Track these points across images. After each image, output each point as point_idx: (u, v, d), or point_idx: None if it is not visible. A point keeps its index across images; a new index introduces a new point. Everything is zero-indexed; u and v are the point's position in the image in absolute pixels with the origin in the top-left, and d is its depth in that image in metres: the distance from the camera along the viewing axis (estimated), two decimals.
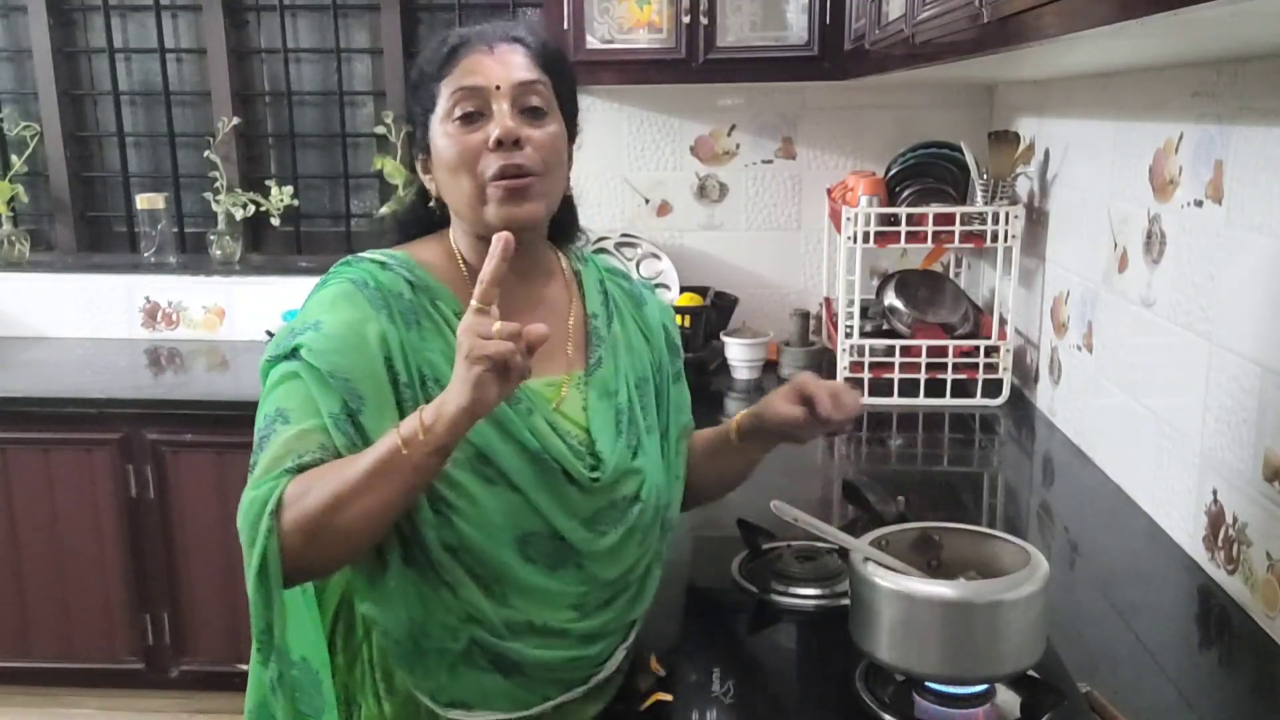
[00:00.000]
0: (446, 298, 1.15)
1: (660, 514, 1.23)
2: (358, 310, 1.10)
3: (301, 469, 1.04)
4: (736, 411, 2.33)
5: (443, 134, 1.14)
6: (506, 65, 1.14)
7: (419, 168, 1.22)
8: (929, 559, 1.11)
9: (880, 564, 1.04)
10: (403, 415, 1.06)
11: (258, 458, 1.07)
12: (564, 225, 1.29)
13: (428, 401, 1.04)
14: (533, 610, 1.14)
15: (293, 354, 1.09)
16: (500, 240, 0.99)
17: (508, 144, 1.11)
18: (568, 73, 1.22)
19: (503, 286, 1.10)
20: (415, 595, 1.12)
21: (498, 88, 1.13)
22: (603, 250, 2.70)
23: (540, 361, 1.13)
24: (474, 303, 0.98)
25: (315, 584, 1.16)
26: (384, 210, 2.99)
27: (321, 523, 1.00)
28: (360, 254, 1.18)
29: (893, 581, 1.01)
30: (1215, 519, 1.39)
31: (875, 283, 2.59)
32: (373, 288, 1.12)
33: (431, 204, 1.21)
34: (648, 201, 2.80)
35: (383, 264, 1.16)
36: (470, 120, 1.13)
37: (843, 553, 1.34)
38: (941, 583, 1.02)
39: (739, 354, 2.50)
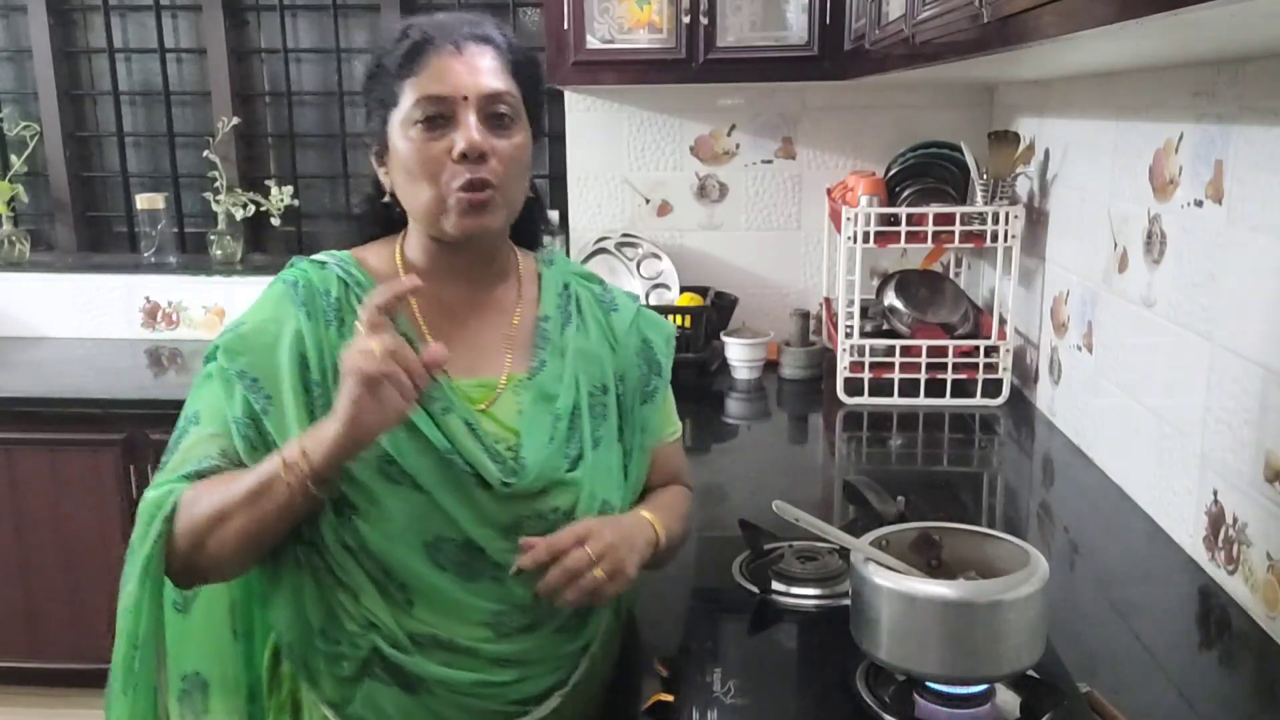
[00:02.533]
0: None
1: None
2: (278, 309, 1.11)
3: (200, 474, 1.06)
4: (737, 412, 2.35)
5: (404, 137, 1.10)
6: (475, 71, 1.09)
7: (373, 160, 1.18)
8: (929, 559, 1.11)
9: (880, 564, 1.05)
10: (313, 414, 1.06)
11: (169, 457, 1.10)
12: (528, 227, 1.26)
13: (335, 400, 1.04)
14: (440, 623, 1.09)
15: (214, 355, 1.11)
16: (404, 285, 1.00)
17: (473, 157, 1.08)
18: (536, 75, 1.18)
19: (447, 288, 1.16)
20: (314, 598, 1.08)
21: (465, 98, 1.08)
22: (602, 250, 2.70)
23: (474, 361, 1.14)
24: (361, 323, 0.98)
25: (235, 600, 1.17)
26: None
27: (205, 533, 1.02)
28: (311, 255, 1.18)
29: (893, 581, 1.01)
30: (1215, 519, 1.39)
31: (875, 283, 2.59)
32: (301, 286, 1.12)
33: (386, 199, 1.18)
34: (648, 201, 2.80)
35: (322, 264, 1.16)
36: (433, 126, 1.09)
37: (843, 553, 1.34)
38: (941, 583, 1.02)
39: (739, 354, 2.50)
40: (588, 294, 1.26)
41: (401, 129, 1.10)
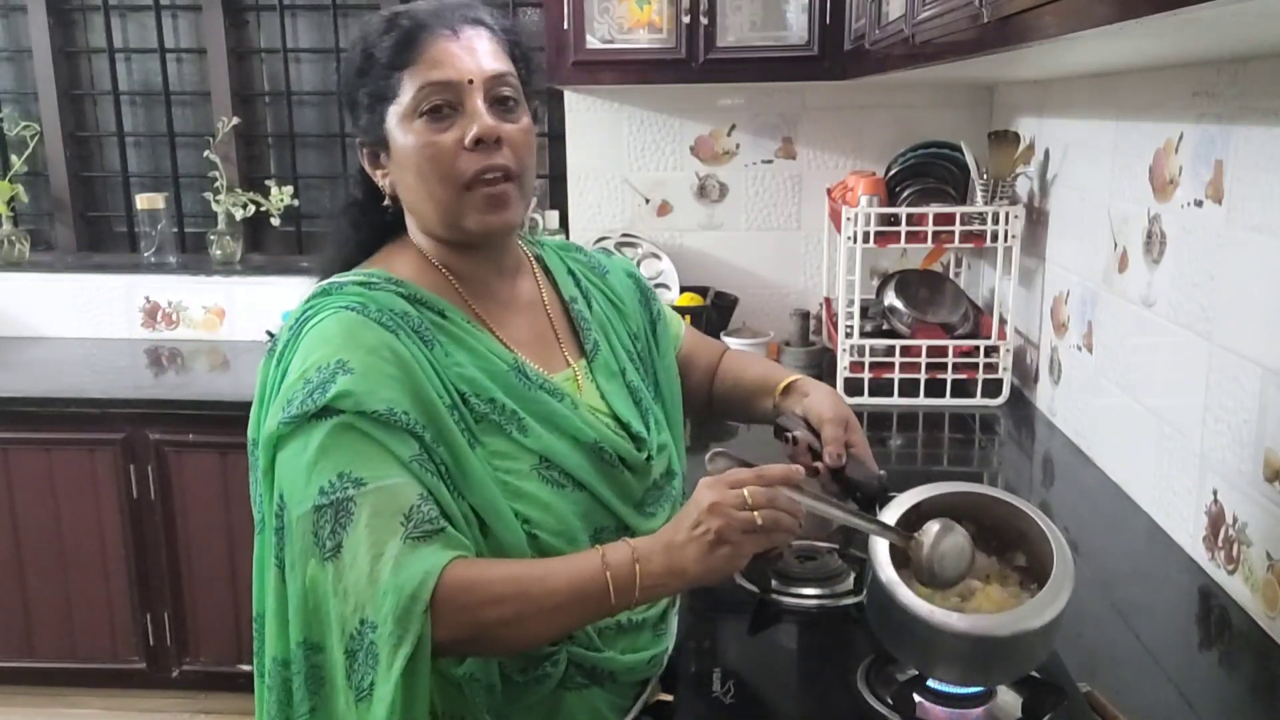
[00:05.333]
0: (450, 310, 1.07)
1: (683, 486, 1.21)
2: (377, 335, 0.98)
3: (424, 536, 0.92)
4: None
5: (408, 132, 1.04)
6: (474, 53, 1.04)
7: (365, 162, 1.12)
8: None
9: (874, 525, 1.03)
10: (472, 436, 1.00)
11: (338, 536, 0.92)
12: None
13: (475, 420, 1.01)
14: None
15: (327, 410, 0.94)
16: (799, 470, 0.98)
17: (487, 143, 1.03)
18: (529, 57, 1.13)
19: (495, 285, 1.12)
20: None
21: (470, 81, 1.03)
22: (602, 250, 2.70)
23: (544, 354, 1.13)
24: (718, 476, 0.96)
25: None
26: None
27: (490, 627, 0.93)
28: (335, 280, 1.07)
29: (918, 608, 0.97)
30: (1215, 519, 1.39)
31: (875, 283, 2.59)
32: (375, 310, 1.01)
33: (386, 203, 1.12)
34: (648, 201, 2.80)
35: (369, 284, 1.04)
36: (439, 117, 1.03)
37: (843, 553, 1.34)
38: (966, 616, 0.97)
39: None
40: (580, 266, 1.28)
41: (404, 123, 1.04)
